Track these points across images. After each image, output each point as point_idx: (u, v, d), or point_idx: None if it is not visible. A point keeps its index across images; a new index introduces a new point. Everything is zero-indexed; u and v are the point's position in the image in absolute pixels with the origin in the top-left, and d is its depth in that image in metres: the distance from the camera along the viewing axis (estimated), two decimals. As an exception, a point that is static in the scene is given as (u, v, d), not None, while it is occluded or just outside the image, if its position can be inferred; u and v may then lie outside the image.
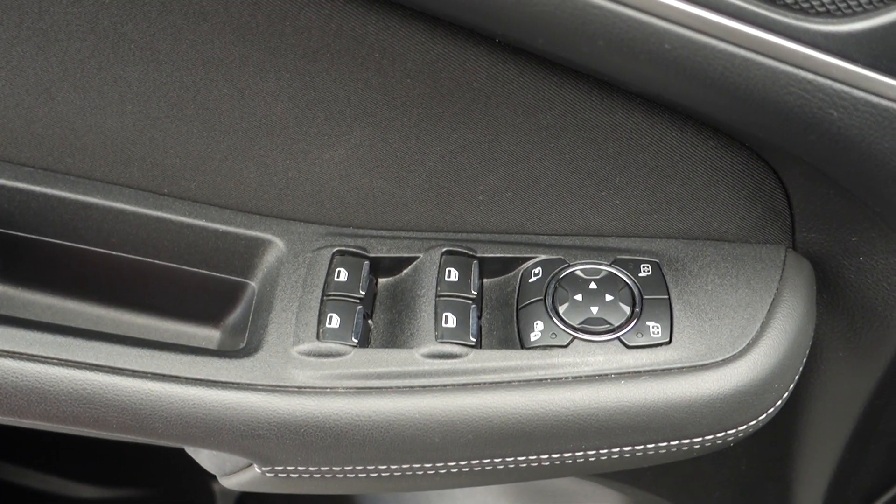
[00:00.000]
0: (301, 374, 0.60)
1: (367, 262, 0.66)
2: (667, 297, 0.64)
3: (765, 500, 0.95)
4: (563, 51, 0.53)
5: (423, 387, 0.60)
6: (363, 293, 0.64)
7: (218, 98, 0.62)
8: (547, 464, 0.64)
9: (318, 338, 0.61)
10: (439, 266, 0.65)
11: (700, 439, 0.63)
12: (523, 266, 0.67)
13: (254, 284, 0.70)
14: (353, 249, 0.67)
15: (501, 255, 0.67)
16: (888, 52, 0.51)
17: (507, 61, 0.59)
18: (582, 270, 0.66)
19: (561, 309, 0.64)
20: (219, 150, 0.65)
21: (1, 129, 0.65)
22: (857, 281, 0.66)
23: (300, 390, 0.60)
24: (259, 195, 0.67)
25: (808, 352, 0.66)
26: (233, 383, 0.60)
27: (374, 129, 0.63)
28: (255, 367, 0.61)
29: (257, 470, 0.64)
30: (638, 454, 0.64)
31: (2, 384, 0.58)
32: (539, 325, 0.63)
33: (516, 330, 0.64)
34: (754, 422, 0.63)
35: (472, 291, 0.64)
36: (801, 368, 0.65)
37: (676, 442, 0.63)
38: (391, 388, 0.60)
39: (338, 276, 0.65)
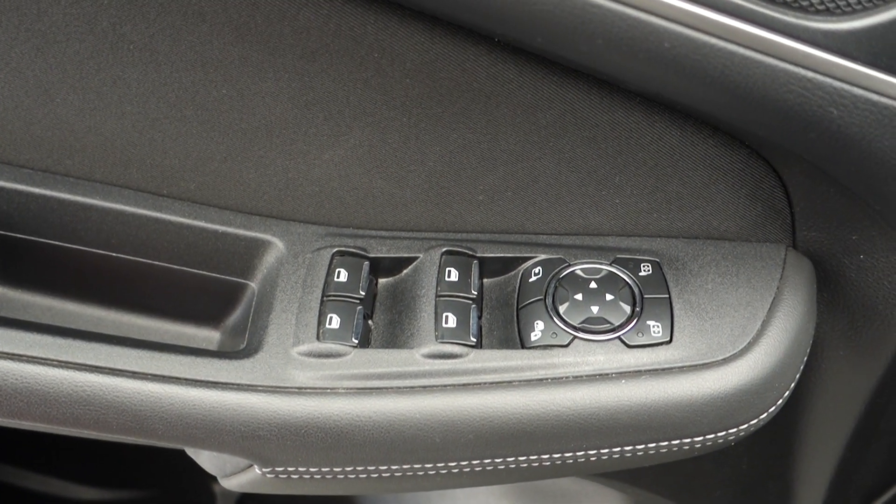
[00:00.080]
0: (301, 375, 0.60)
1: (366, 263, 0.66)
2: (667, 296, 0.64)
3: (766, 499, 0.95)
4: (563, 50, 0.53)
5: (424, 387, 0.60)
6: (363, 293, 0.64)
7: (217, 99, 0.62)
8: (548, 464, 0.64)
9: (318, 338, 0.61)
10: (439, 266, 0.65)
11: (701, 438, 0.63)
12: (523, 266, 0.67)
13: (254, 285, 0.70)
14: (353, 250, 0.66)
15: (501, 255, 0.67)
16: (888, 49, 0.51)
17: (506, 61, 0.58)
18: (582, 270, 0.66)
19: (561, 308, 0.64)
20: (218, 150, 0.65)
21: (0, 130, 0.65)
22: (857, 279, 0.66)
23: (300, 391, 0.60)
24: (258, 196, 0.67)
25: (808, 350, 0.66)
26: (233, 384, 0.60)
27: (373, 129, 0.63)
28: (256, 367, 0.61)
29: (258, 471, 0.64)
30: (639, 454, 0.63)
31: (1, 386, 0.58)
32: (539, 325, 0.63)
33: (517, 330, 0.64)
34: (755, 421, 0.63)
35: (473, 291, 0.64)
36: (801, 367, 0.65)
37: (677, 441, 0.63)
38: (391, 388, 0.60)
39: (338, 277, 0.64)
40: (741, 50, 0.50)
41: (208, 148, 0.65)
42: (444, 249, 0.66)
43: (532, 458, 0.63)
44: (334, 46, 0.59)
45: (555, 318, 0.63)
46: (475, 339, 0.62)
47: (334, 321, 0.62)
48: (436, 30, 0.57)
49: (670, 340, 0.62)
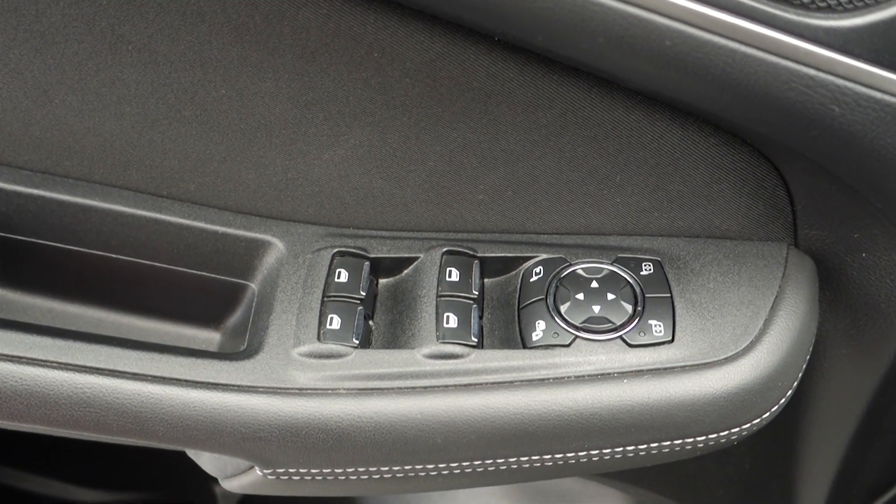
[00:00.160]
0: (302, 376, 0.60)
1: (367, 263, 0.66)
2: (669, 295, 0.64)
3: (768, 499, 0.95)
4: (563, 48, 0.53)
5: (425, 387, 0.60)
6: (364, 294, 0.64)
7: (216, 99, 0.62)
8: (550, 464, 0.63)
9: (318, 339, 0.61)
10: (440, 266, 0.65)
11: (703, 438, 0.63)
12: (524, 265, 0.67)
13: (254, 286, 0.69)
14: (354, 250, 0.66)
15: (502, 255, 0.67)
16: (890, 46, 0.50)
17: (506, 60, 0.58)
18: (583, 269, 0.66)
19: (562, 308, 0.63)
20: (217, 151, 0.65)
21: (-1, 131, 0.65)
22: (859, 278, 0.66)
23: (301, 392, 0.60)
24: (258, 196, 0.67)
25: (811, 349, 0.66)
26: (233, 385, 0.60)
27: (373, 129, 0.63)
28: (256, 369, 0.61)
29: (259, 472, 0.64)
30: (641, 453, 0.63)
31: (1, 388, 0.58)
32: (541, 325, 0.63)
33: (518, 330, 0.64)
34: (758, 420, 0.63)
35: (474, 291, 0.64)
36: (804, 366, 0.65)
37: (680, 441, 0.62)
38: (393, 388, 0.60)
39: (338, 277, 0.64)
40: (742, 48, 0.50)
41: (208, 148, 0.65)
42: (445, 249, 0.66)
43: (534, 458, 0.63)
44: (334, 46, 0.59)
45: (556, 318, 0.63)
46: (476, 340, 0.62)
47: (335, 322, 0.62)
48: (435, 29, 0.57)
49: (672, 340, 0.62)
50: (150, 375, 0.59)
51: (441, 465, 0.63)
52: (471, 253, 0.66)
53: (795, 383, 0.65)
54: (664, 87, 0.55)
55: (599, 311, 0.63)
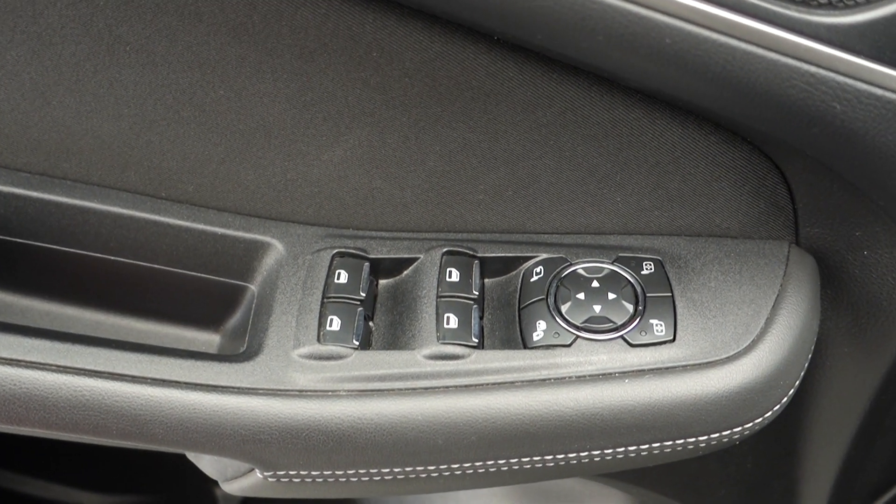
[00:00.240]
0: (302, 378, 0.60)
1: (367, 264, 0.65)
2: (670, 294, 0.64)
3: (771, 498, 0.95)
4: (563, 47, 0.53)
5: (426, 388, 0.60)
6: (364, 295, 0.64)
7: (214, 100, 0.62)
8: (551, 464, 0.63)
9: (318, 340, 0.61)
10: (440, 266, 0.65)
11: (705, 438, 0.62)
12: (525, 265, 0.67)
13: (253, 287, 0.69)
14: (353, 251, 0.66)
15: (502, 255, 0.67)
16: (892, 43, 0.50)
17: (505, 59, 0.58)
18: (584, 269, 0.65)
19: (563, 308, 0.63)
20: (216, 152, 0.65)
21: (-4, 134, 0.65)
22: (861, 276, 0.66)
23: (301, 394, 0.59)
24: (257, 197, 0.67)
25: (812, 348, 0.66)
26: (233, 388, 0.59)
27: (372, 130, 0.63)
28: (256, 370, 0.60)
29: (259, 475, 0.64)
30: (643, 453, 0.63)
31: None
32: (541, 325, 0.62)
33: (519, 330, 0.64)
34: (760, 419, 0.63)
35: (474, 291, 0.64)
36: (806, 365, 0.65)
37: (682, 441, 0.62)
38: (393, 390, 0.60)
39: (338, 278, 0.64)
40: (743, 45, 0.50)
41: (206, 149, 0.64)
42: (445, 250, 0.66)
43: (535, 458, 0.63)
44: (332, 46, 0.58)
45: (557, 318, 0.63)
46: (477, 340, 0.61)
47: (335, 323, 0.62)
48: (435, 28, 0.57)
49: (673, 339, 0.62)
50: (150, 378, 0.59)
51: (442, 467, 0.62)
52: (471, 253, 0.66)
53: (797, 382, 0.64)
54: (664, 86, 0.54)
55: (600, 311, 0.63)
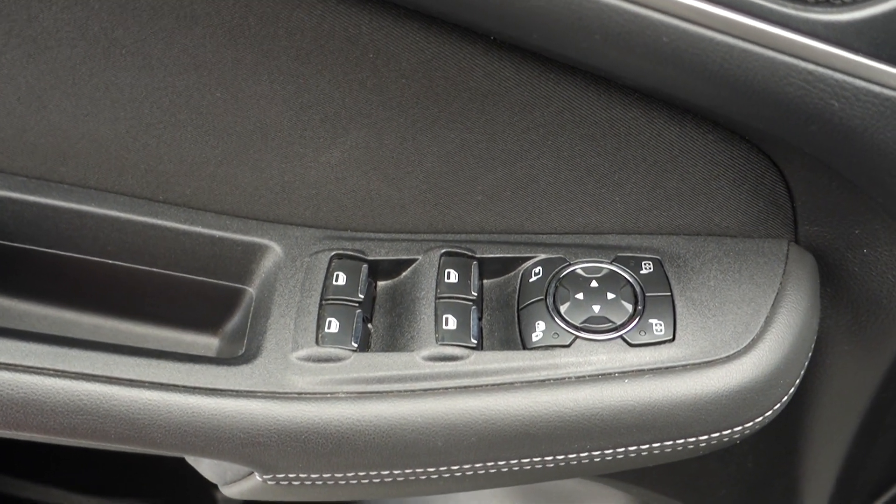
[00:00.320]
0: (301, 380, 0.60)
1: (365, 266, 0.65)
2: (669, 294, 0.64)
3: (772, 497, 0.95)
4: (559, 47, 0.53)
5: (425, 390, 0.60)
6: (362, 297, 0.63)
7: (211, 102, 0.62)
8: (552, 465, 0.63)
9: (317, 343, 0.61)
10: (438, 268, 0.65)
11: (706, 437, 0.62)
12: (523, 266, 0.67)
13: (252, 290, 0.69)
14: (352, 253, 0.66)
15: (501, 256, 0.67)
16: (889, 40, 0.50)
17: (502, 59, 0.58)
18: (583, 269, 0.65)
19: (562, 308, 0.63)
20: (213, 154, 0.64)
21: (-7, 138, 0.65)
22: (861, 273, 0.66)
23: (300, 396, 0.59)
24: (255, 200, 0.67)
25: (812, 346, 0.65)
26: (232, 391, 0.59)
27: (369, 131, 0.62)
28: (254, 373, 0.60)
29: (258, 478, 0.63)
30: (643, 453, 0.63)
31: (-2, 397, 0.58)
32: (541, 325, 0.62)
33: (518, 330, 0.64)
34: (760, 418, 0.63)
35: (472, 292, 0.64)
36: (806, 363, 0.65)
37: (682, 440, 0.62)
38: (392, 392, 0.60)
39: (336, 280, 0.64)
40: (740, 43, 0.50)
41: (203, 152, 0.64)
42: (444, 251, 0.66)
43: (535, 459, 0.62)
44: (329, 47, 0.58)
45: (556, 318, 0.63)
46: (476, 341, 0.61)
47: (333, 325, 0.61)
48: (431, 29, 0.57)
49: (673, 339, 0.62)
50: (148, 382, 0.59)
51: (442, 468, 0.62)
52: (469, 254, 0.66)
53: (797, 381, 0.64)
54: (662, 84, 0.54)
55: (599, 311, 0.63)
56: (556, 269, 0.65)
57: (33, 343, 0.59)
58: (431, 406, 0.59)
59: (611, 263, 0.66)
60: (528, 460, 0.62)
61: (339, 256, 0.66)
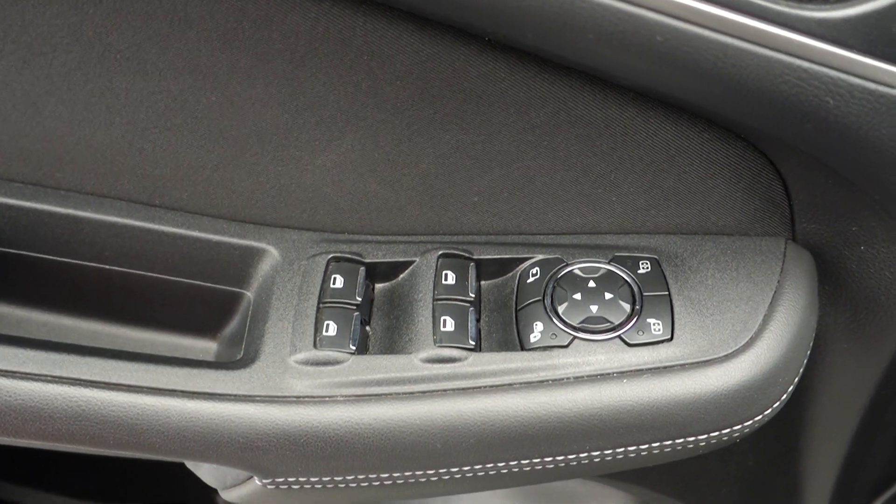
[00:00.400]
0: (299, 384, 0.60)
1: (362, 268, 0.65)
2: (667, 293, 0.64)
3: (772, 496, 0.94)
4: (554, 47, 0.53)
5: (423, 392, 0.60)
6: (360, 299, 0.63)
7: (207, 106, 0.62)
8: (551, 466, 0.63)
9: (315, 346, 0.61)
10: (436, 269, 0.64)
11: (705, 436, 0.62)
12: (521, 266, 0.67)
13: (249, 294, 0.69)
14: (349, 255, 0.66)
15: (498, 257, 0.67)
16: (883, 36, 0.50)
17: (497, 60, 0.58)
18: (580, 269, 0.65)
19: (560, 309, 0.63)
20: (209, 159, 0.64)
21: (-12, 144, 0.65)
22: (859, 271, 0.66)
23: (298, 400, 0.59)
24: (251, 203, 0.67)
25: (811, 344, 0.65)
26: (230, 395, 0.59)
27: (365, 133, 0.62)
28: (253, 377, 0.60)
29: (258, 482, 0.63)
30: (643, 453, 0.63)
31: (-4, 403, 0.58)
32: (539, 326, 0.62)
33: (516, 331, 0.64)
34: (759, 417, 0.63)
35: (470, 294, 0.64)
36: (804, 361, 0.65)
37: (681, 440, 0.62)
38: (391, 394, 0.60)
39: (334, 283, 0.64)
40: (734, 41, 0.50)
41: (199, 156, 0.64)
42: (441, 252, 0.66)
43: (535, 461, 0.62)
44: (323, 50, 0.58)
45: (554, 319, 0.62)
46: (474, 342, 0.61)
47: (331, 328, 0.61)
48: (425, 30, 0.57)
49: (671, 338, 0.62)
50: (146, 387, 0.59)
51: (441, 471, 0.62)
52: (467, 255, 0.66)
53: (797, 379, 0.64)
54: (656, 84, 0.54)
55: (597, 311, 0.63)
56: (554, 270, 0.65)
57: (31, 349, 0.59)
58: (430, 408, 0.59)
59: (608, 263, 0.66)
60: (527, 461, 0.62)
61: (337, 259, 0.66)
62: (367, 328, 0.64)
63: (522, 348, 0.62)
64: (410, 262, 0.66)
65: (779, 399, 0.63)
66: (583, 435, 0.60)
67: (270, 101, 0.61)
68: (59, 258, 0.69)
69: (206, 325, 0.71)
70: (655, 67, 0.51)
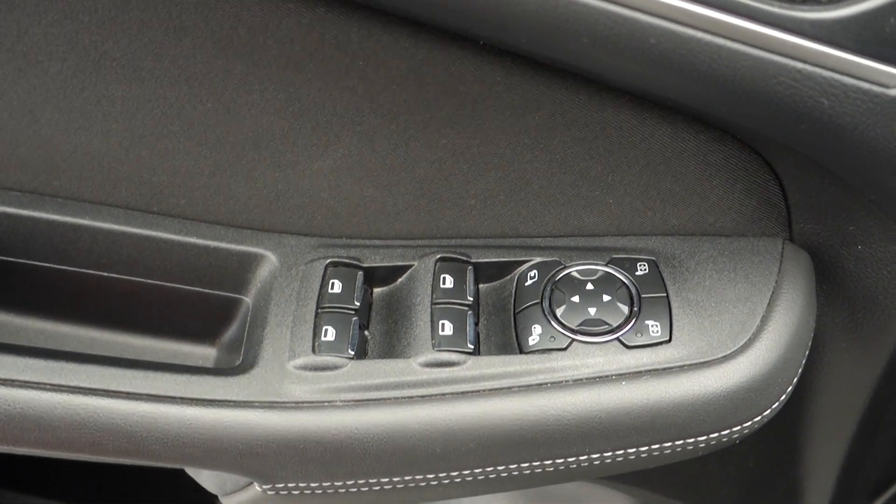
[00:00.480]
0: (298, 389, 0.60)
1: (360, 273, 0.65)
2: (665, 294, 0.64)
3: (773, 496, 0.94)
4: (548, 50, 0.53)
5: (422, 396, 0.60)
6: (358, 304, 0.63)
7: (203, 113, 0.62)
8: (551, 469, 0.63)
9: (313, 351, 0.61)
10: (434, 273, 0.64)
11: (705, 438, 0.62)
12: (519, 269, 0.67)
13: (248, 300, 0.69)
14: (347, 260, 0.66)
15: (496, 260, 0.67)
16: (877, 36, 0.50)
17: (492, 63, 0.58)
18: (578, 271, 0.65)
19: (558, 311, 0.63)
20: (206, 165, 0.64)
21: (-15, 153, 0.65)
22: (856, 270, 0.66)
23: (298, 405, 0.59)
24: (249, 209, 0.67)
25: (809, 344, 0.65)
26: (229, 401, 0.59)
27: (361, 138, 0.62)
28: (252, 383, 0.60)
29: (258, 488, 0.63)
30: (643, 455, 0.63)
31: (-6, 412, 0.58)
32: (537, 329, 0.62)
33: (514, 335, 0.64)
34: (759, 418, 0.63)
35: (468, 297, 0.63)
36: (803, 361, 0.65)
37: (681, 441, 0.62)
38: (390, 399, 0.60)
39: (332, 288, 0.64)
40: (728, 43, 0.50)
41: (196, 163, 0.64)
42: (439, 256, 0.66)
43: (535, 464, 0.62)
44: (319, 55, 0.58)
45: (552, 322, 0.62)
46: (472, 346, 0.61)
47: (330, 333, 0.61)
48: (420, 35, 0.57)
49: (670, 339, 0.62)
50: (145, 394, 0.59)
51: (441, 475, 0.62)
52: (464, 259, 0.66)
53: (795, 379, 0.64)
54: (651, 86, 0.54)
55: (595, 314, 0.63)
56: (552, 273, 0.65)
57: (30, 358, 0.59)
58: (429, 412, 0.59)
59: (606, 265, 0.66)
60: (527, 465, 0.62)
61: (335, 264, 0.66)
62: (366, 333, 0.64)
63: (521, 351, 0.62)
64: (408, 266, 0.66)
65: (778, 399, 0.63)
66: (582, 437, 0.60)
67: (266, 106, 0.61)
68: (57, 266, 0.69)
69: (204, 331, 0.71)
70: (650, 70, 0.52)
